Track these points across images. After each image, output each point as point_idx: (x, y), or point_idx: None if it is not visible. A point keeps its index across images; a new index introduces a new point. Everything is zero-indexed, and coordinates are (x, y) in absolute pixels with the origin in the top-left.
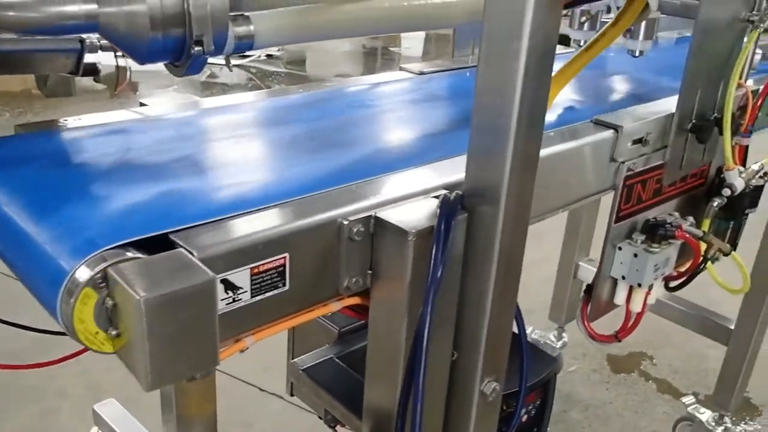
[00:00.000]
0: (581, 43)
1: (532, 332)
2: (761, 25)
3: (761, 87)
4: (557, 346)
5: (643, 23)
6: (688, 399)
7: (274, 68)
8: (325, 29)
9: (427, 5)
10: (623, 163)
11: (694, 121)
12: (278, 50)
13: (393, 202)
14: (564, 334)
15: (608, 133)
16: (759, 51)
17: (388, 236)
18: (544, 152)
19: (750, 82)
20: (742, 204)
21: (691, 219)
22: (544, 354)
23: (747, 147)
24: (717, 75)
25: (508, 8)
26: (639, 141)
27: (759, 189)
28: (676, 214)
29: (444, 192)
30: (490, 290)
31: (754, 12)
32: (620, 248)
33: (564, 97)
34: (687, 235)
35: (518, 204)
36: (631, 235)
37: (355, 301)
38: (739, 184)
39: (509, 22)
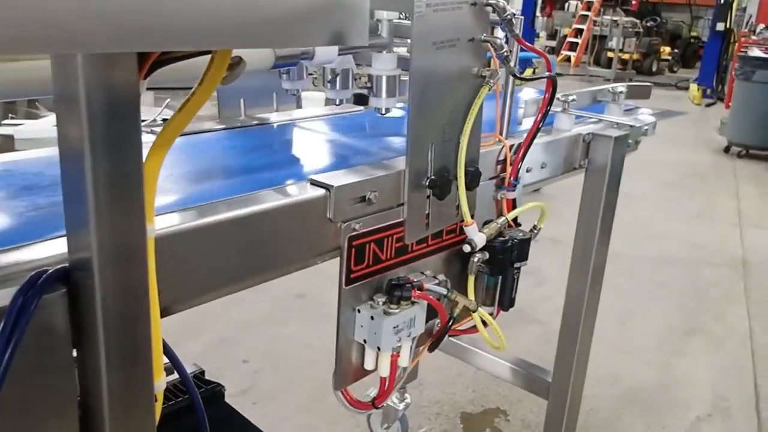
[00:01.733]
0: (336, 102)
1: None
2: (491, 81)
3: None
4: (400, 408)
5: (384, 80)
6: None
7: None
8: None
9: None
10: (345, 223)
11: (432, 177)
12: None
13: None
14: (407, 395)
15: (322, 193)
16: (523, 104)
17: None
18: (243, 212)
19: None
20: (507, 259)
21: (441, 277)
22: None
23: (514, 200)
24: (456, 130)
25: (64, 72)
26: (363, 200)
27: (525, 242)
28: (429, 272)
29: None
30: (102, 368)
31: (486, 69)
32: (359, 311)
33: (288, 157)
34: (426, 295)
35: (122, 275)
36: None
37: None
38: (479, 240)
39: (68, 84)
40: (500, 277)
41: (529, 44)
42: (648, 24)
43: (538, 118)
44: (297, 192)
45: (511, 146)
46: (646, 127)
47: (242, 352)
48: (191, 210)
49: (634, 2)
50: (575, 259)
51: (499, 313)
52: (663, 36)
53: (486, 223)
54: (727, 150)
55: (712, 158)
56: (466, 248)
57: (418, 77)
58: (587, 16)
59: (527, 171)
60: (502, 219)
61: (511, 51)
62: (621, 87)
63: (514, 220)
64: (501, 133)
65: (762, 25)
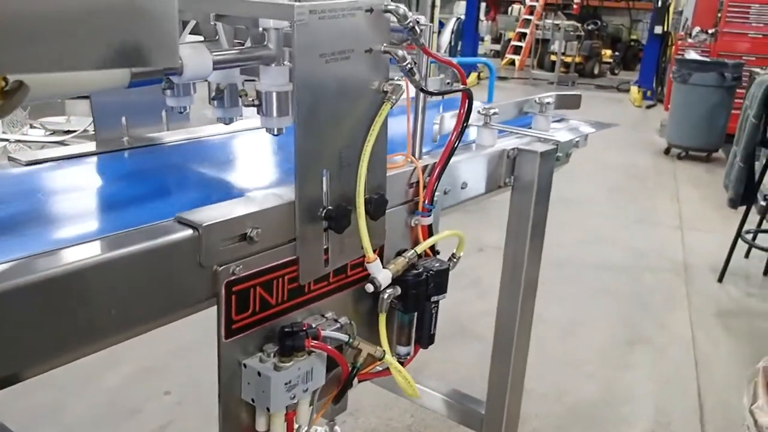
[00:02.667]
0: (226, 121)
1: None
2: (393, 97)
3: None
4: None
5: (274, 97)
6: None
7: None
8: None
9: None
10: (221, 267)
11: (328, 207)
12: None
13: None
14: (336, 428)
15: (189, 234)
16: (437, 121)
17: None
18: (73, 267)
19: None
20: (421, 293)
21: (344, 320)
22: None
23: (430, 227)
24: (356, 153)
25: None
26: (243, 238)
27: (443, 273)
28: (331, 314)
29: None
30: None
31: (388, 83)
32: (245, 366)
33: (160, 187)
34: (322, 345)
35: None
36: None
37: None
38: (384, 278)
39: None
40: (416, 313)
41: (438, 54)
42: (589, 27)
43: (453, 136)
44: (160, 233)
45: (425, 167)
46: (576, 139)
47: (165, 383)
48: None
49: (575, 6)
50: (505, 279)
51: (418, 351)
52: (604, 39)
53: (399, 253)
54: (667, 152)
55: (653, 160)
56: (369, 288)
57: (304, 95)
58: (530, 20)
59: (445, 193)
60: (410, 252)
61: (416, 63)
62: (548, 98)
63: (432, 248)
64: (413, 154)
65: (697, 28)
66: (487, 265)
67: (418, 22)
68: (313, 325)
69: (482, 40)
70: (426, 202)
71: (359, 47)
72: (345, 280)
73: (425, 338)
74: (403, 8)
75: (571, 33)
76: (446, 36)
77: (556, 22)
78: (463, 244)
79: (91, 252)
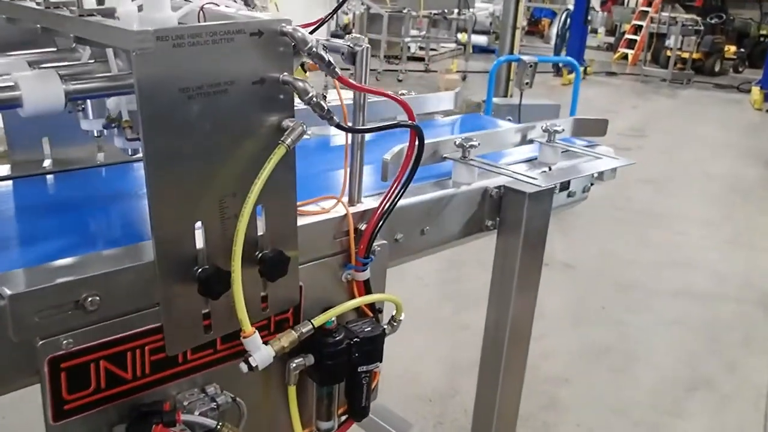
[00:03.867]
0: (95, 134)
1: None
2: (289, 140)
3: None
4: None
5: None
6: None
7: None
8: None
9: None
10: (44, 340)
11: (204, 267)
12: None
13: None
14: None
15: None
16: (389, 156)
17: None
18: None
19: None
20: (341, 364)
21: (223, 398)
22: None
23: (367, 281)
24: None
25: None
26: (77, 306)
27: (374, 339)
28: (213, 388)
29: None
30: None
31: (289, 120)
32: None
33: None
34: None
35: None
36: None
37: None
38: (262, 358)
39: None
40: (335, 386)
41: (357, 84)
42: (712, 21)
43: (397, 181)
44: None
45: (362, 213)
46: (588, 176)
47: None
48: None
49: None
50: (489, 329)
51: (349, 426)
52: (729, 34)
53: (326, 309)
54: None
55: (763, 173)
56: (243, 368)
57: (152, 136)
58: (647, 12)
59: (396, 241)
60: (305, 325)
61: (315, 93)
62: (558, 125)
63: (371, 306)
64: (350, 197)
65: None
66: (549, 283)
67: (325, 46)
68: (184, 404)
69: (595, 32)
70: (362, 255)
71: (243, 79)
72: (238, 347)
73: (356, 412)
74: (301, 32)
75: (689, 27)
76: (555, 28)
77: (673, 15)
78: (401, 311)
79: None
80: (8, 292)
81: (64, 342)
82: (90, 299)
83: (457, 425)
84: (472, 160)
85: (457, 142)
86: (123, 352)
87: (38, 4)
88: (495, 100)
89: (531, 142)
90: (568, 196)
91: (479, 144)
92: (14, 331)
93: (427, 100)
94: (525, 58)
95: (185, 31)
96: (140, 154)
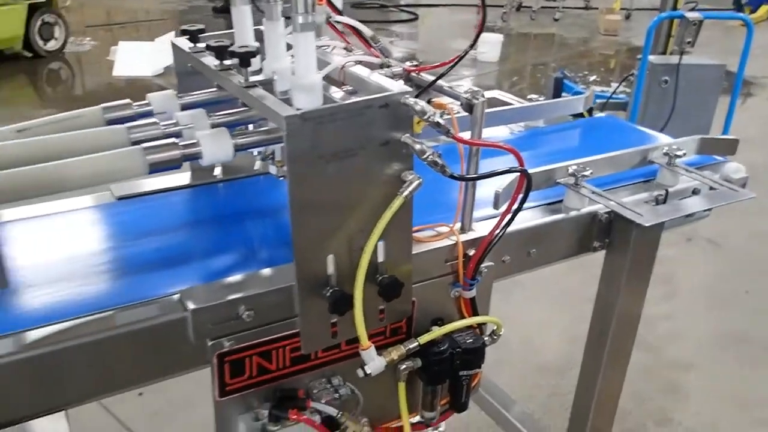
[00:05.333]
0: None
1: None
2: (406, 192)
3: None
4: None
5: None
6: None
7: None
8: None
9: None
10: (213, 341)
11: (335, 288)
12: None
13: None
14: None
15: (181, 314)
16: (500, 188)
17: None
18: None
19: None
20: (443, 370)
21: (344, 390)
22: None
23: (473, 299)
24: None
25: None
26: (237, 316)
27: (475, 351)
28: (337, 380)
29: None
30: None
31: (409, 173)
32: (239, 421)
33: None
34: (306, 418)
35: None
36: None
37: None
38: (375, 367)
39: None
40: (439, 386)
41: (475, 140)
42: None
43: (500, 221)
44: (157, 311)
45: (471, 241)
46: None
47: None
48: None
49: None
50: (589, 348)
51: (449, 417)
52: None
53: (435, 321)
54: None
55: None
56: (360, 373)
57: (297, 194)
58: None
59: (502, 261)
60: (412, 341)
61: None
62: (680, 148)
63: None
64: (462, 227)
65: None
66: (689, 260)
67: (442, 114)
68: (314, 392)
69: None
70: (468, 277)
71: (371, 143)
72: (357, 348)
73: (456, 406)
74: (421, 104)
75: None
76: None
77: None
78: (501, 327)
79: (100, 327)
80: (191, 306)
81: (227, 343)
82: (247, 312)
83: (572, 398)
84: (583, 187)
85: (570, 170)
86: (270, 350)
87: (215, 66)
88: (651, 58)
89: (651, 163)
90: (686, 216)
91: (592, 173)
92: (193, 335)
93: (557, 105)
94: (688, 14)
95: (326, 111)
96: None
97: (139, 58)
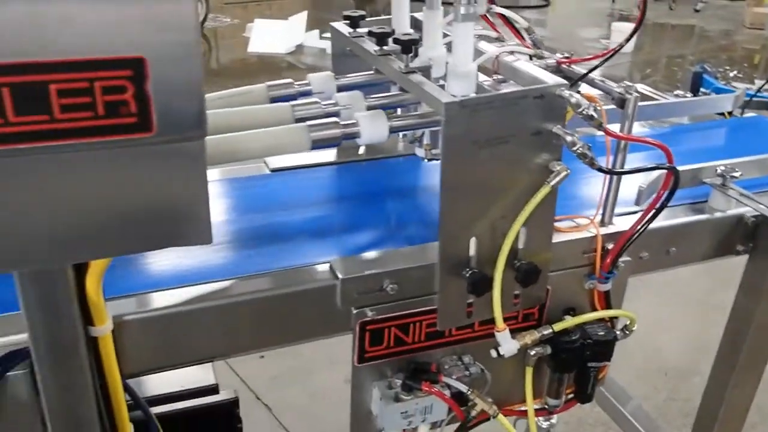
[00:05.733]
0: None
1: None
2: (553, 182)
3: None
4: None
5: None
6: None
7: None
8: None
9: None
10: (357, 310)
11: (474, 269)
12: None
13: None
14: None
15: (332, 282)
16: (644, 184)
17: None
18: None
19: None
20: (572, 359)
21: (474, 369)
22: None
23: (608, 292)
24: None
25: None
26: (381, 289)
27: (605, 343)
28: (468, 358)
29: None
30: None
31: (557, 163)
32: (374, 386)
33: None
34: (437, 391)
35: (57, 372)
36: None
37: None
38: (508, 349)
39: None
40: (565, 374)
41: (627, 135)
42: None
43: (647, 212)
44: (308, 277)
45: (612, 234)
46: None
47: None
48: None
49: None
50: (721, 356)
51: (572, 406)
52: None
53: (567, 311)
54: None
55: None
56: (493, 353)
57: (450, 178)
58: None
59: (640, 257)
60: (546, 328)
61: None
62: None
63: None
64: (605, 218)
65: None
66: None
67: (595, 108)
68: (446, 367)
69: None
70: (605, 270)
71: (524, 131)
72: (491, 330)
73: (582, 396)
74: (576, 97)
75: None
76: None
77: None
78: (634, 322)
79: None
80: (341, 276)
81: (370, 312)
82: (391, 286)
83: (691, 405)
84: (731, 189)
85: (718, 171)
86: (407, 323)
87: (375, 51)
88: None
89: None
90: None
91: (741, 174)
92: (341, 302)
93: (704, 102)
94: None
95: (483, 100)
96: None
97: (273, 35)
